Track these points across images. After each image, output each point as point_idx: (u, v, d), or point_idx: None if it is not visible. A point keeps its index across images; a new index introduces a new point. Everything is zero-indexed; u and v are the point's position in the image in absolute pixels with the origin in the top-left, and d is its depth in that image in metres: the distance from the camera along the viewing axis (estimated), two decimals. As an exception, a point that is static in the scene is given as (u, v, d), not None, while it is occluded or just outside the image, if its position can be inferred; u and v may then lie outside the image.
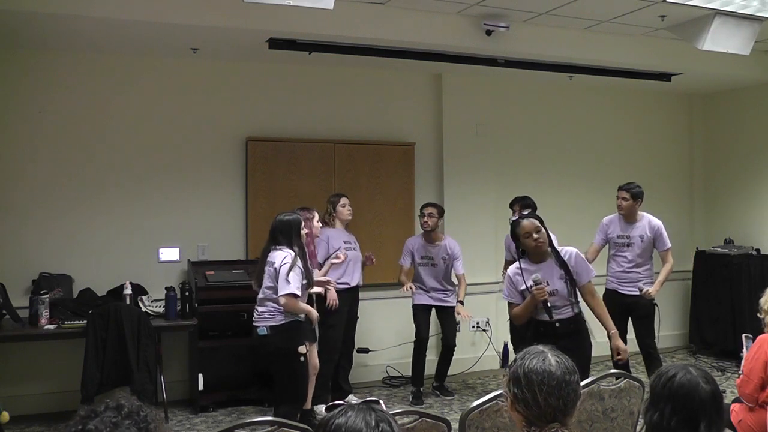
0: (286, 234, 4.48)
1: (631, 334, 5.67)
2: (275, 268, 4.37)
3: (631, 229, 5.56)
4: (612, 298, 5.61)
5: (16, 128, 5.58)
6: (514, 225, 4.14)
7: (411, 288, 5.83)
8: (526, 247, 4.06)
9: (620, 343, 4.25)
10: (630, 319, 5.63)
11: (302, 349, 4.39)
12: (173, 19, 4.90)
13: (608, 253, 5.77)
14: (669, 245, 5.55)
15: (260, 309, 4.47)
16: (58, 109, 5.69)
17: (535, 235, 4.01)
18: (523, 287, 4.04)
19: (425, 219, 5.87)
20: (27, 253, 5.53)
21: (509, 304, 4.20)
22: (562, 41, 6.03)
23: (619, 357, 4.25)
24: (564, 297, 4.06)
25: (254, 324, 4.48)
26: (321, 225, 5.30)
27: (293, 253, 4.40)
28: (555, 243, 4.23)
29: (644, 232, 5.52)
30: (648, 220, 5.56)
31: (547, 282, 4.01)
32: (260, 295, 4.49)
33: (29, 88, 5.62)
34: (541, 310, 4.01)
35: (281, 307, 4.38)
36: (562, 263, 4.08)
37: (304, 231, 4.62)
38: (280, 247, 4.44)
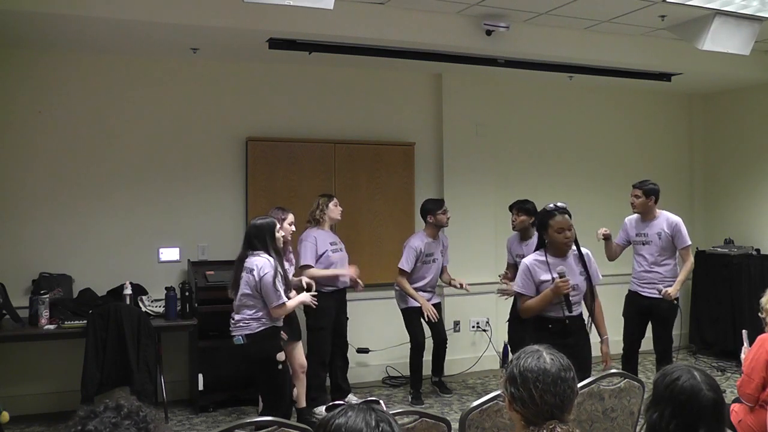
0: (260, 239, 4.37)
1: (647, 333, 5.64)
2: (254, 276, 4.27)
3: (649, 227, 5.46)
4: (632, 300, 5.60)
5: (16, 128, 5.58)
6: (547, 215, 4.03)
7: (433, 311, 5.79)
8: (554, 240, 4.01)
9: (608, 350, 4.25)
10: (650, 322, 5.57)
11: (280, 356, 4.31)
12: (173, 19, 4.90)
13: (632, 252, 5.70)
14: (689, 242, 5.42)
15: (236, 317, 4.37)
16: (58, 110, 5.69)
17: (567, 233, 4.00)
18: (544, 278, 4.00)
19: (449, 215, 5.92)
20: (27, 253, 5.54)
21: (520, 296, 4.08)
22: (562, 41, 6.03)
23: (605, 363, 4.24)
24: (580, 294, 4.09)
25: (231, 334, 4.39)
26: (293, 228, 5.16)
27: (272, 260, 4.30)
28: None
29: (662, 230, 5.40)
30: (666, 218, 5.45)
31: (570, 294, 4.00)
32: (236, 302, 4.39)
33: (29, 88, 5.62)
34: (560, 304, 3.98)
35: (260, 314, 4.30)
36: (582, 260, 4.09)
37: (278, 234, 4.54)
38: (256, 252, 4.34)
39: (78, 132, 5.75)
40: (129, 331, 5.05)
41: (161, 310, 5.46)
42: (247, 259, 4.36)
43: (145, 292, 5.65)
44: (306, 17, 5.05)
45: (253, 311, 4.31)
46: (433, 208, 5.90)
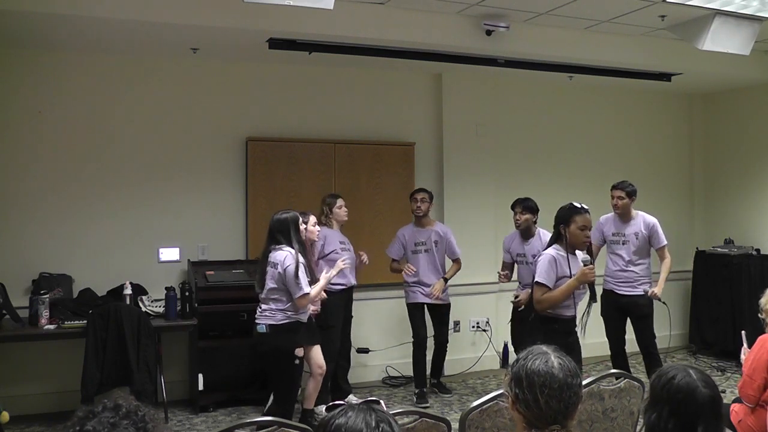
0: (284, 232, 4.48)
1: (630, 334, 5.68)
2: (279, 271, 4.37)
3: (626, 227, 5.56)
4: (609, 298, 5.63)
5: (16, 128, 5.58)
6: (574, 211, 4.08)
7: (410, 267, 5.80)
8: (574, 237, 4.06)
9: None
10: (629, 319, 5.63)
11: (299, 351, 4.38)
12: (173, 19, 4.90)
13: (606, 252, 5.76)
14: (665, 242, 5.53)
15: (263, 306, 4.49)
16: (58, 110, 5.69)
17: (588, 232, 4.08)
18: (566, 272, 4.03)
19: (418, 204, 5.88)
20: (27, 253, 5.53)
21: (539, 286, 4.06)
22: (562, 41, 6.03)
23: None
24: (582, 293, 4.14)
25: (255, 321, 4.52)
26: (318, 229, 5.23)
27: (294, 251, 4.39)
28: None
29: (639, 230, 5.50)
30: (642, 218, 5.55)
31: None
32: (263, 295, 4.50)
33: (29, 88, 5.61)
34: (587, 294, 4.01)
35: (285, 307, 4.39)
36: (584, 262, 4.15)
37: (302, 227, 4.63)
38: (279, 246, 4.43)
39: (78, 132, 5.75)
40: (129, 331, 5.05)
41: (161, 310, 5.45)
42: (270, 254, 4.46)
43: (145, 292, 5.65)
44: (306, 17, 5.05)
45: (280, 303, 4.42)
46: (410, 198, 6.00)
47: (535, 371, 1.97)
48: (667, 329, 6.40)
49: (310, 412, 5.17)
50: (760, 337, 3.76)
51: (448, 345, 6.13)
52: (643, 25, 5.95)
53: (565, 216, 4.12)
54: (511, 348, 6.39)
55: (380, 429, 1.55)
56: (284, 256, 4.38)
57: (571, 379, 1.97)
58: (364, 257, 5.71)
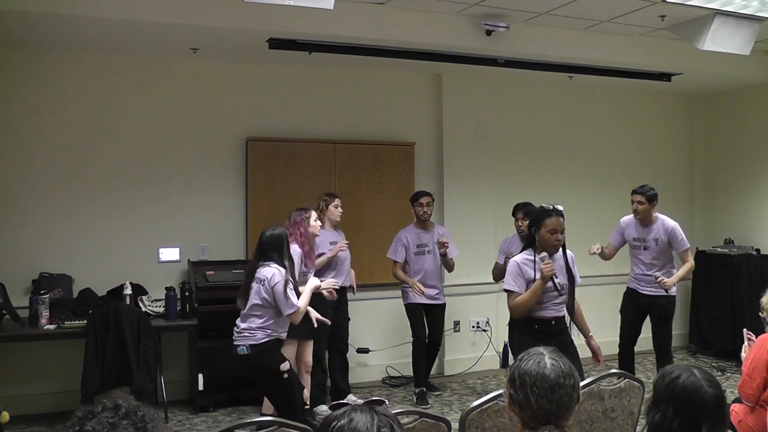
0: (277, 249, 4.35)
1: (645, 333, 5.65)
2: (266, 286, 4.24)
3: (647, 232, 5.47)
4: (631, 296, 5.62)
5: (16, 128, 5.58)
6: (544, 214, 4.07)
7: (420, 287, 5.76)
8: (544, 240, 4.05)
9: (596, 342, 4.30)
10: (649, 319, 5.59)
11: (284, 365, 4.26)
12: (173, 19, 4.90)
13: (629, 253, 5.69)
14: (687, 246, 5.43)
15: (241, 325, 4.32)
16: (57, 110, 5.69)
17: (559, 235, 4.04)
18: (534, 276, 4.03)
19: (425, 209, 5.86)
20: (27, 253, 5.53)
21: (509, 294, 4.11)
22: (562, 41, 6.03)
23: (596, 359, 4.29)
24: (566, 294, 4.12)
25: (234, 342, 4.34)
26: (319, 224, 5.19)
27: (282, 270, 4.28)
28: None
29: (659, 235, 5.41)
30: (662, 222, 5.46)
31: (556, 275, 4.05)
32: (244, 311, 4.35)
33: (29, 88, 5.61)
34: (550, 292, 3.99)
35: (265, 324, 4.27)
36: (567, 263, 4.15)
37: (306, 229, 4.59)
38: (266, 263, 4.32)
39: (78, 132, 5.75)
40: (129, 331, 5.05)
41: (161, 310, 5.46)
42: (258, 270, 4.33)
43: (145, 292, 5.65)
44: (306, 17, 5.05)
45: (261, 321, 4.27)
46: (412, 200, 5.97)
47: (527, 372, 2.00)
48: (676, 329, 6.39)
49: (308, 410, 5.16)
50: (760, 337, 3.76)
51: (440, 347, 6.17)
52: (643, 25, 5.95)
53: (536, 220, 4.12)
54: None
55: (381, 432, 1.55)
56: (272, 273, 4.25)
57: (563, 380, 1.99)
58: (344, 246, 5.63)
